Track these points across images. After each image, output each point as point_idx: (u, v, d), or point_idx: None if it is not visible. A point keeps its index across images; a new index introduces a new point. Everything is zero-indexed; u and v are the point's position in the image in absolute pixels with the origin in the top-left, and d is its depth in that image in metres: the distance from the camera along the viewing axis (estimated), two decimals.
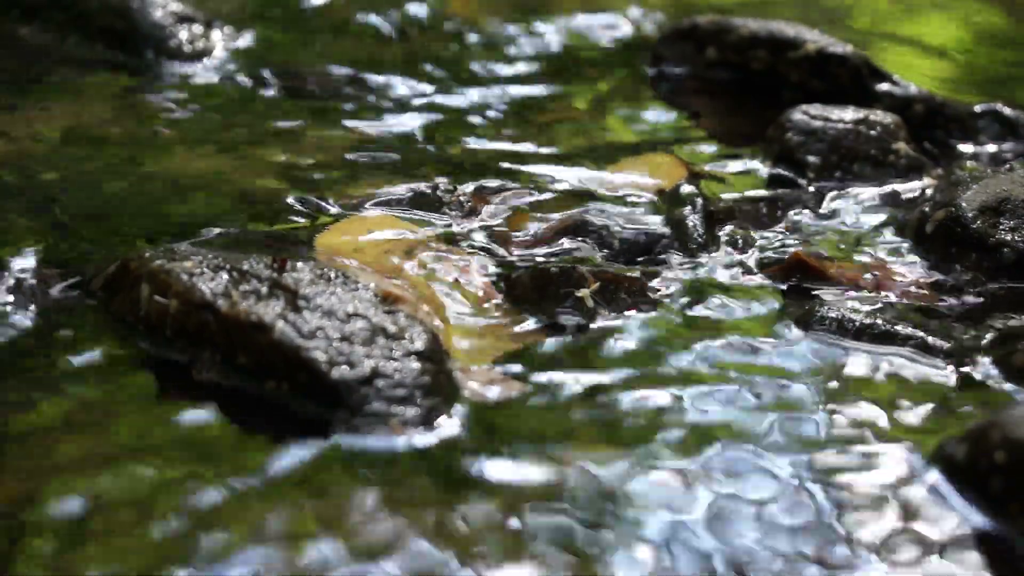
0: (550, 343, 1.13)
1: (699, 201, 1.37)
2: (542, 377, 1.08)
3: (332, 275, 1.10)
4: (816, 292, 1.23)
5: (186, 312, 1.05)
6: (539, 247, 1.29)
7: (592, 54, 1.93)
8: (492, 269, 1.23)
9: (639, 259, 1.28)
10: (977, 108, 1.64)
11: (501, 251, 1.27)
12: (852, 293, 1.24)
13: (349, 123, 1.60)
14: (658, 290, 1.22)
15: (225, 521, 0.88)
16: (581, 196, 1.40)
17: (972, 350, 1.13)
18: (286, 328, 1.02)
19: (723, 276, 1.26)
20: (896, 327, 1.14)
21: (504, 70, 1.82)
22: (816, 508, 0.93)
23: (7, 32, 1.77)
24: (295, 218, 1.31)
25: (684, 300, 1.21)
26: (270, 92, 1.68)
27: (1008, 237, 1.27)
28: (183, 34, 1.77)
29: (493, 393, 1.05)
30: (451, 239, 1.28)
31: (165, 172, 1.42)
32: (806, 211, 1.41)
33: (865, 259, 1.31)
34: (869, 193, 1.45)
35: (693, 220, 1.34)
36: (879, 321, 1.15)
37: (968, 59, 1.97)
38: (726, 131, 1.65)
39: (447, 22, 2.01)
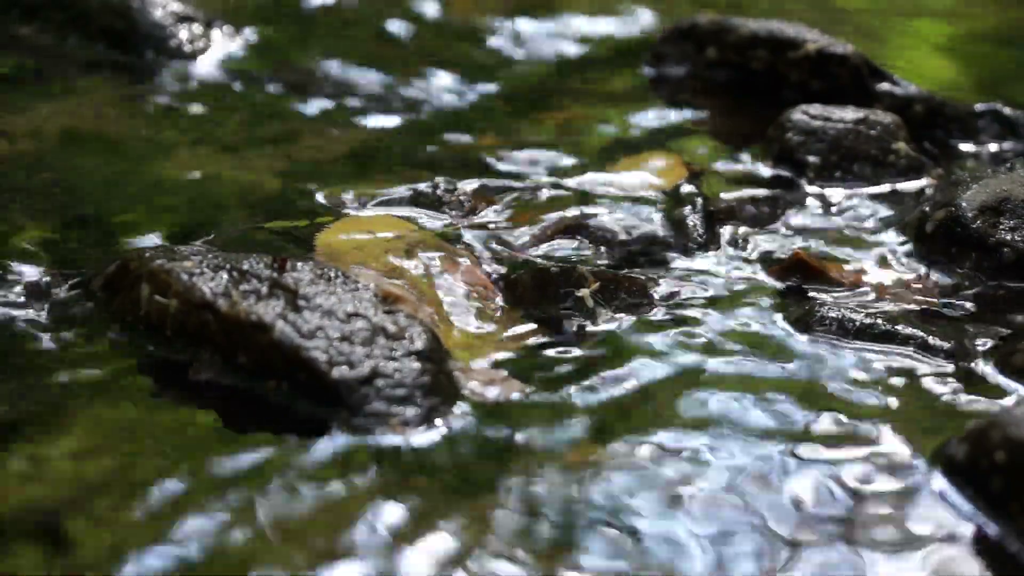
0: (550, 343, 1.13)
1: (699, 201, 1.37)
2: (542, 377, 1.08)
3: (332, 275, 1.10)
4: (816, 292, 1.23)
5: (186, 312, 1.05)
6: (539, 247, 1.29)
7: (592, 54, 1.93)
8: (492, 269, 1.23)
9: (639, 259, 1.28)
10: (977, 108, 1.64)
11: (501, 251, 1.27)
12: (852, 293, 1.24)
13: (349, 123, 1.60)
14: (658, 290, 1.22)
15: (224, 521, 0.88)
16: (581, 196, 1.40)
17: (972, 350, 1.13)
18: (286, 328, 1.02)
19: (723, 276, 1.26)
20: (896, 327, 1.14)
21: (504, 70, 1.82)
22: (816, 508, 0.93)
23: (7, 32, 1.77)
24: (295, 218, 1.31)
25: (684, 300, 1.21)
26: (270, 92, 1.68)
27: (1008, 237, 1.27)
28: (183, 34, 1.77)
29: (493, 393, 1.05)
30: (451, 239, 1.28)
31: (165, 172, 1.42)
32: (806, 211, 1.41)
33: (865, 259, 1.31)
34: (869, 193, 1.45)
35: (693, 220, 1.34)
36: (879, 321, 1.15)
37: (968, 59, 1.97)
38: (726, 131, 1.65)
39: (447, 22, 2.01)
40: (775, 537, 0.90)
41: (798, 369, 1.10)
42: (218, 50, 1.78)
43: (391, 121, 1.60)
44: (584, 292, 1.18)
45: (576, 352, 1.11)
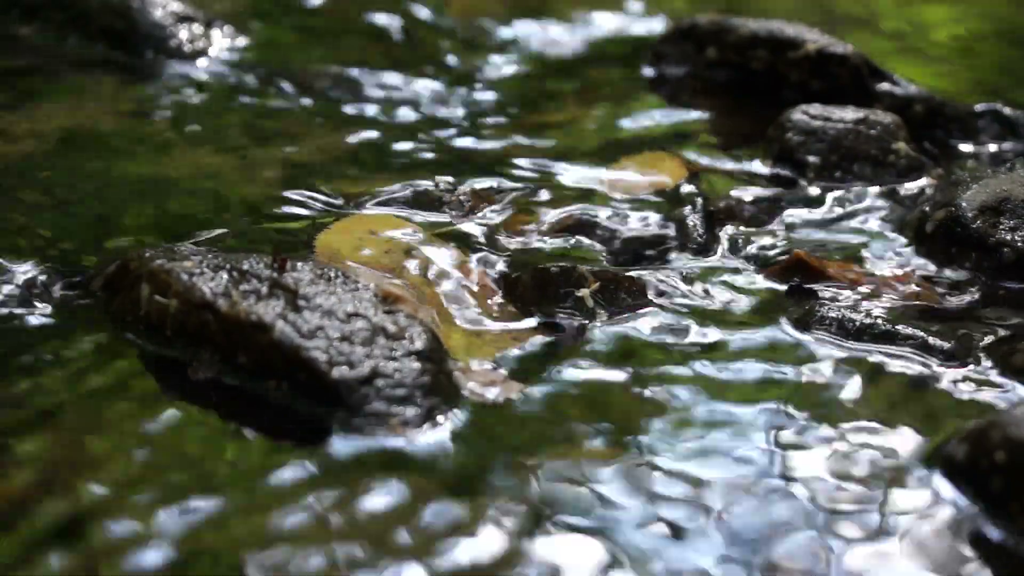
0: (550, 343, 1.13)
1: (699, 201, 1.37)
2: (542, 377, 1.08)
3: (332, 275, 1.10)
4: (816, 292, 1.23)
5: (186, 312, 1.05)
6: (539, 246, 1.29)
7: (592, 54, 1.93)
8: (492, 268, 1.23)
9: (639, 259, 1.28)
10: (977, 108, 1.64)
11: (501, 250, 1.27)
12: (852, 293, 1.24)
13: (349, 123, 1.60)
14: (658, 290, 1.22)
15: (224, 521, 0.88)
16: (581, 195, 1.40)
17: (972, 350, 1.13)
18: (286, 328, 1.02)
19: (723, 276, 1.26)
20: (896, 327, 1.14)
21: (504, 69, 1.82)
22: (816, 508, 0.93)
23: (7, 32, 1.77)
24: (295, 218, 1.31)
25: (684, 300, 1.21)
26: (270, 92, 1.68)
27: (1008, 237, 1.27)
28: (183, 34, 1.77)
29: (493, 393, 1.05)
30: (451, 238, 1.28)
31: (165, 172, 1.42)
32: (806, 211, 1.41)
33: (865, 259, 1.31)
34: (869, 193, 1.45)
35: (693, 220, 1.34)
36: (879, 321, 1.15)
37: (968, 59, 1.97)
38: (726, 131, 1.65)
39: (447, 22, 2.01)
40: (775, 537, 0.90)
41: (798, 369, 1.10)
42: (218, 50, 1.78)
43: (391, 121, 1.61)
44: (584, 292, 1.18)
45: (576, 352, 1.11)
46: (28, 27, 1.77)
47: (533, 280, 1.19)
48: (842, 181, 1.47)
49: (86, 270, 1.17)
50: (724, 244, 1.32)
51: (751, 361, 1.11)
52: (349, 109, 1.64)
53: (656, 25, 2.00)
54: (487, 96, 1.72)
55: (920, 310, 1.21)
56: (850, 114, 1.53)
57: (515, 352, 1.11)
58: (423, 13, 2.02)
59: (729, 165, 1.52)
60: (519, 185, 1.42)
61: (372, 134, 1.56)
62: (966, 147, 1.62)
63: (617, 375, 1.08)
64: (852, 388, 1.08)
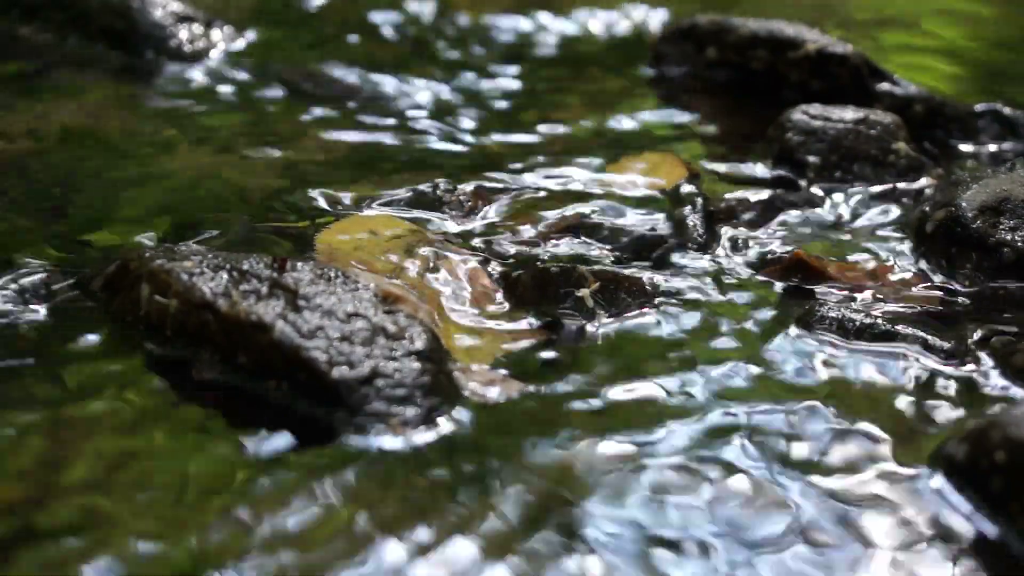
0: (550, 343, 1.13)
1: (699, 201, 1.37)
2: (542, 377, 1.07)
3: (332, 275, 1.10)
4: (816, 292, 1.23)
5: (186, 312, 1.05)
6: (539, 246, 1.29)
7: (592, 53, 1.93)
8: (492, 268, 1.23)
9: (639, 258, 1.28)
10: (977, 108, 1.64)
11: (501, 250, 1.27)
12: (852, 293, 1.24)
13: (349, 123, 1.60)
14: (658, 290, 1.22)
15: (225, 521, 0.88)
16: (581, 195, 1.40)
17: (972, 350, 1.13)
18: (286, 328, 1.02)
19: (723, 276, 1.26)
20: (896, 327, 1.14)
21: (504, 69, 1.82)
22: (816, 508, 0.93)
23: (7, 32, 1.77)
24: (295, 218, 1.31)
25: (684, 300, 1.21)
26: (270, 92, 1.68)
27: (1008, 237, 1.27)
28: (183, 34, 1.77)
29: (493, 393, 1.05)
30: (451, 239, 1.28)
31: (165, 172, 1.42)
32: (806, 211, 1.41)
33: (865, 259, 1.31)
34: (869, 193, 1.45)
35: (693, 220, 1.34)
36: (879, 321, 1.15)
37: (968, 59, 1.97)
38: (726, 131, 1.65)
39: (447, 21, 2.01)
40: (776, 537, 0.90)
41: (798, 369, 1.10)
42: (218, 50, 1.78)
43: (391, 121, 1.61)
44: (584, 292, 1.18)
45: (576, 352, 1.11)
46: (28, 27, 1.77)
47: (533, 280, 1.20)
48: (842, 181, 1.47)
49: (86, 270, 1.17)
50: (724, 244, 1.32)
51: (751, 361, 1.11)
52: (349, 109, 1.64)
53: (657, 23, 2.00)
54: (488, 95, 1.72)
55: (920, 310, 1.21)
56: (850, 114, 1.53)
57: (515, 352, 1.11)
58: (424, 12, 2.02)
59: (729, 165, 1.52)
60: (519, 185, 1.42)
61: (373, 134, 1.56)
62: (966, 147, 1.62)
63: (617, 375, 1.08)
64: (852, 388, 1.08)
